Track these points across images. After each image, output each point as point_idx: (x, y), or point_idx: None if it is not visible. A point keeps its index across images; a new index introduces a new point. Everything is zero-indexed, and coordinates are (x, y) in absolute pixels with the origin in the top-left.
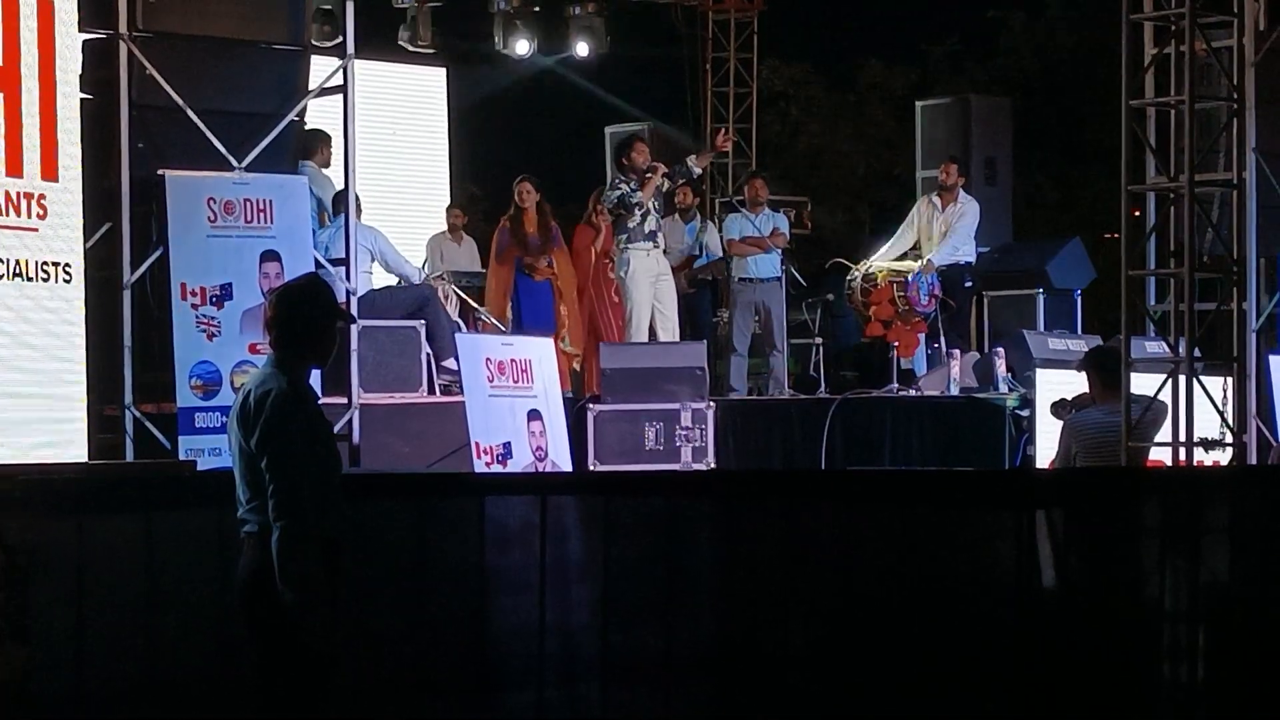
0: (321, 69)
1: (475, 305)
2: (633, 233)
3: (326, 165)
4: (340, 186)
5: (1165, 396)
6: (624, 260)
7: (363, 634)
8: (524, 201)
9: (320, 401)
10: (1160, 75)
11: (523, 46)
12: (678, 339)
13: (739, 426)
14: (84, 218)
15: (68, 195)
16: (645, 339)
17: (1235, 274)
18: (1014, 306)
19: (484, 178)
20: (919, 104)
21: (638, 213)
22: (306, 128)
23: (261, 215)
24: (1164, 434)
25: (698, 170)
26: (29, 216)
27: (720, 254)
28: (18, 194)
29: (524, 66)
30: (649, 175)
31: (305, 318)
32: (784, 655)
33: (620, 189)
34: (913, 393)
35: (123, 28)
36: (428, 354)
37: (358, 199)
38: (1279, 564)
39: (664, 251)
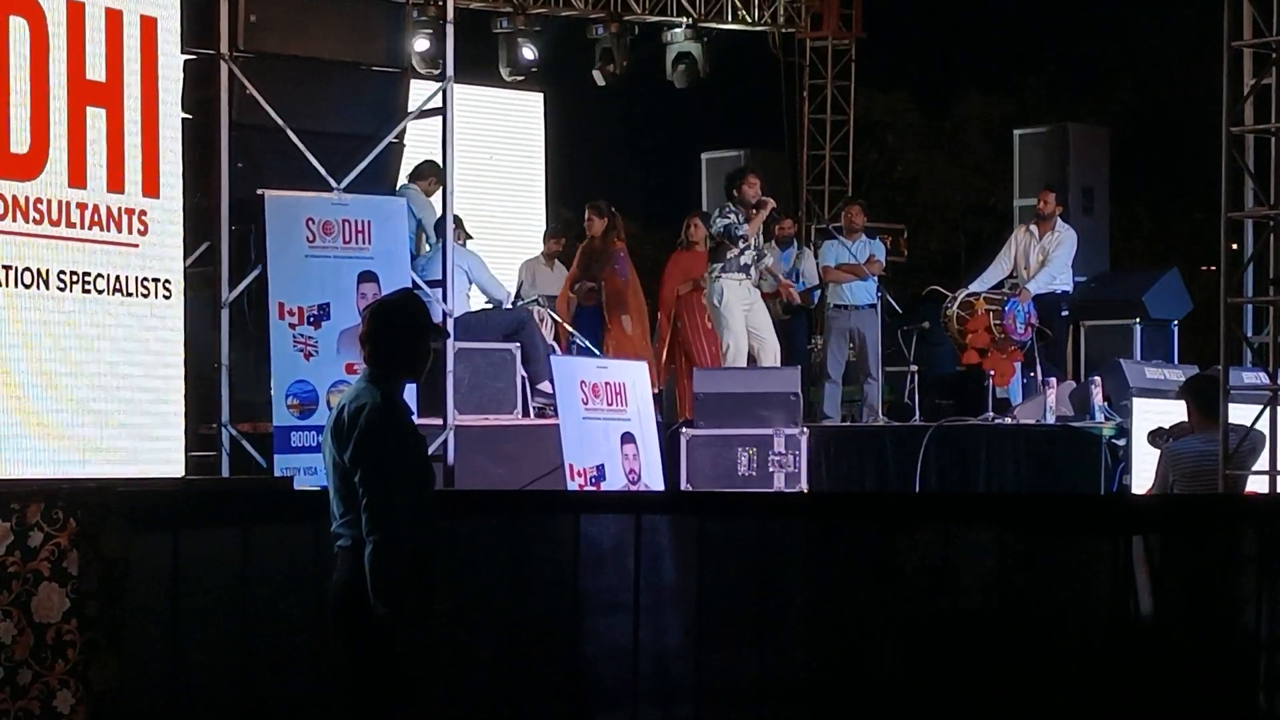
0: (421, 92)
1: (570, 329)
2: (728, 263)
3: (430, 195)
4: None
5: (1263, 426)
6: (716, 289)
7: (455, 651)
8: (589, 229)
9: (414, 419)
10: (1260, 105)
11: (615, 72)
12: (779, 362)
13: (832, 453)
14: (183, 236)
15: (168, 212)
16: (744, 366)
17: None
18: (1111, 336)
19: (578, 202)
20: (1017, 132)
21: (741, 245)
22: (424, 159)
23: (360, 236)
24: (1262, 463)
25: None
26: (129, 232)
27: (816, 280)
28: (119, 209)
29: (620, 92)
30: (755, 210)
31: (399, 333)
32: (878, 680)
33: (729, 219)
34: (1008, 421)
35: (224, 48)
36: (523, 376)
37: (460, 221)
38: None
39: (755, 283)
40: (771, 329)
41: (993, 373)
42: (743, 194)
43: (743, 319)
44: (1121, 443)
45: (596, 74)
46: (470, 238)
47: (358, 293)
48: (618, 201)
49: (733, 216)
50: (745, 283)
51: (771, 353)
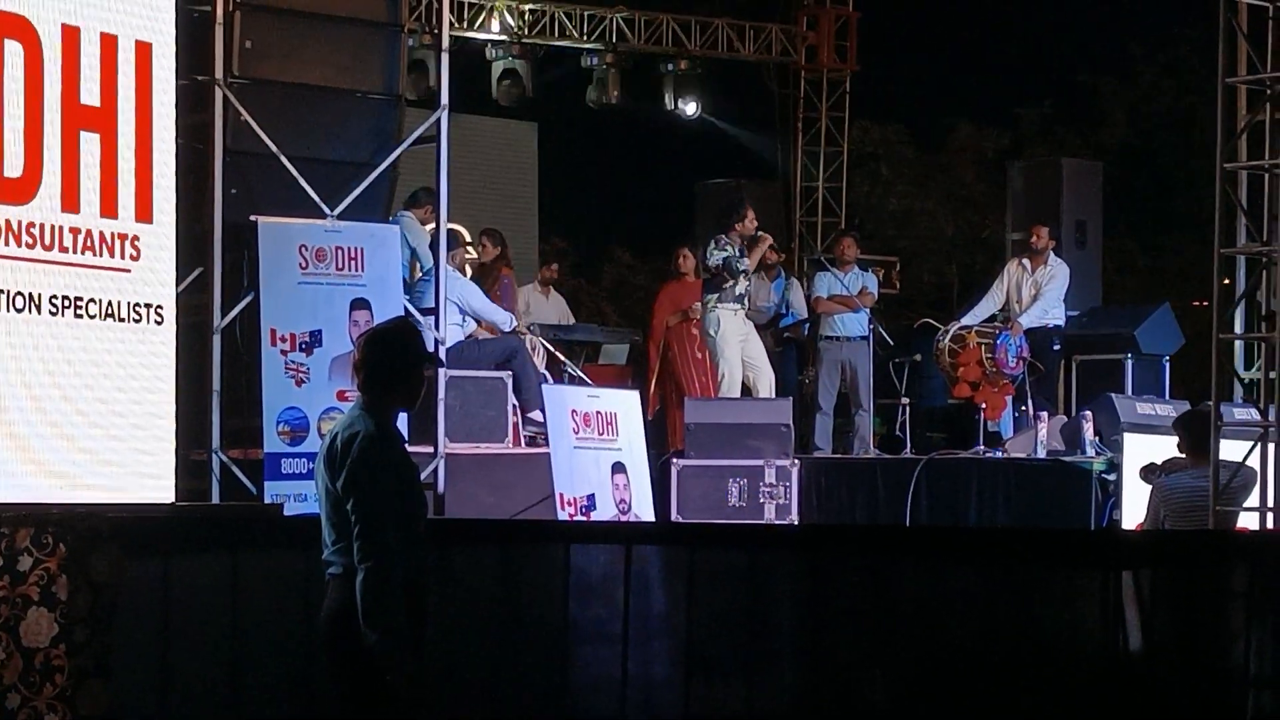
0: (416, 120)
1: (562, 358)
2: (724, 294)
3: (426, 222)
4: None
5: (1254, 462)
6: (713, 319)
7: (445, 679)
8: (482, 255)
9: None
10: (1253, 142)
11: (613, 99)
12: (775, 392)
13: (823, 485)
14: (176, 261)
15: (161, 238)
16: (737, 396)
17: None
18: (1102, 371)
19: (572, 232)
20: (1010, 165)
21: (741, 279)
22: (419, 187)
23: (353, 263)
24: (1253, 499)
25: None
26: (122, 257)
27: (805, 313)
28: (111, 234)
29: (613, 121)
30: (749, 245)
31: (393, 361)
32: (867, 713)
33: (727, 251)
34: (999, 455)
35: (219, 73)
36: (514, 405)
37: (460, 236)
38: None
39: (749, 313)
40: (766, 359)
41: (984, 406)
42: (743, 226)
43: (738, 349)
44: (1112, 478)
45: (600, 101)
46: (470, 244)
47: (350, 320)
48: (610, 230)
49: (730, 249)
50: (740, 313)
51: (768, 382)
